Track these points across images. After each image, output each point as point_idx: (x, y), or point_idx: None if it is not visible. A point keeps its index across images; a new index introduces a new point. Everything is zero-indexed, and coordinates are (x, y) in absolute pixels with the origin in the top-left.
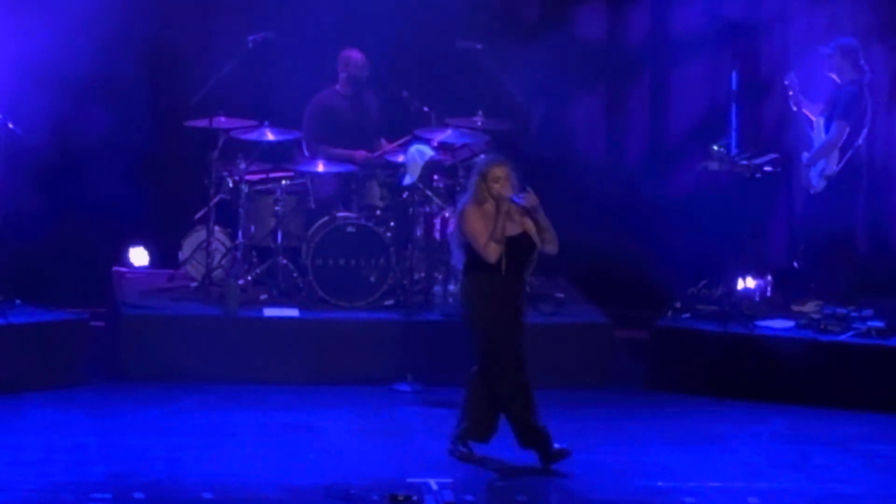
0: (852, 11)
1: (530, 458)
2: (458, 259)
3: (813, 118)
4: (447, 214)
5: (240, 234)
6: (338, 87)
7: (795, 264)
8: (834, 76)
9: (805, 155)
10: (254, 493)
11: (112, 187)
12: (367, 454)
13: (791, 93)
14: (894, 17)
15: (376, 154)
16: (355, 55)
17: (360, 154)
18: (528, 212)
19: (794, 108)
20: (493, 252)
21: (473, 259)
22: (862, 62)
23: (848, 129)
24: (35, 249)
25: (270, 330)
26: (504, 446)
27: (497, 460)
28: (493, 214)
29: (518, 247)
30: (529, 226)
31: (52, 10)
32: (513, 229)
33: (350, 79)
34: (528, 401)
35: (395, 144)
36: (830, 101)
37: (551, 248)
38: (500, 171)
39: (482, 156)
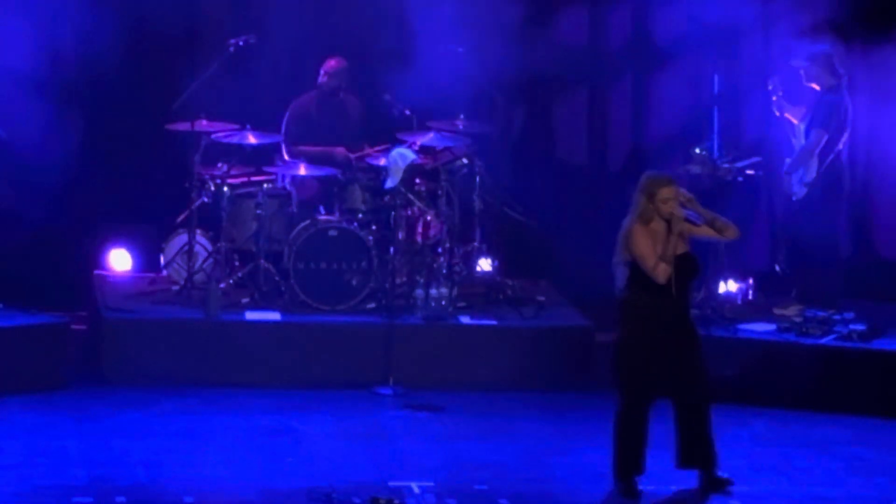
0: (833, 14)
1: (512, 460)
2: (619, 278)
3: (795, 122)
4: (429, 218)
5: (221, 237)
6: (315, 91)
7: (777, 268)
8: (813, 85)
9: (787, 161)
10: (235, 497)
11: (94, 191)
12: (348, 458)
13: (775, 98)
14: (874, 19)
15: (356, 155)
16: (332, 62)
17: (340, 151)
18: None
19: (777, 114)
20: (662, 273)
21: (638, 278)
22: (838, 66)
23: (826, 137)
24: (17, 252)
25: (252, 333)
26: (487, 448)
27: (480, 464)
28: (660, 233)
29: (684, 267)
30: (705, 230)
31: (34, 14)
32: (680, 248)
33: (323, 84)
34: (636, 441)
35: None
36: (811, 108)
37: (729, 233)
38: (668, 192)
39: (646, 172)
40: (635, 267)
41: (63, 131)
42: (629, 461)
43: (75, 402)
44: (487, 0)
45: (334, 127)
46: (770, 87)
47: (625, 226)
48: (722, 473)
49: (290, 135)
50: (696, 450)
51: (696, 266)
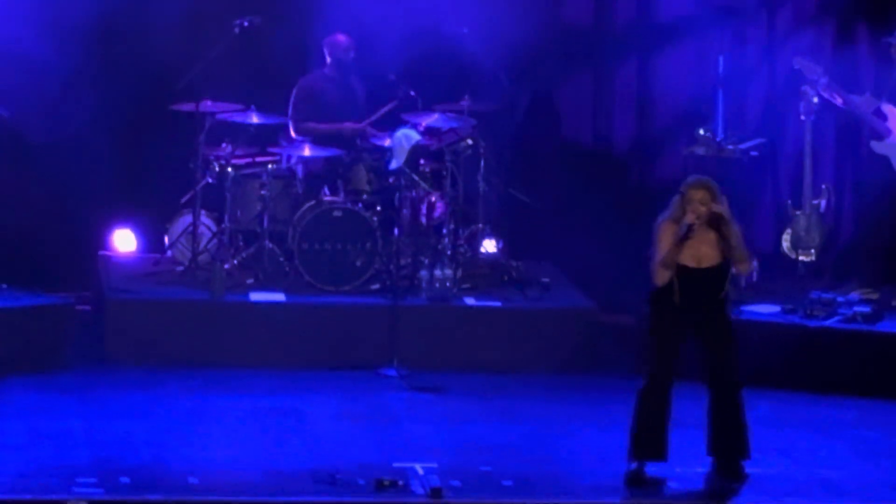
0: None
1: (517, 441)
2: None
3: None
4: (433, 199)
5: (226, 218)
6: (326, 70)
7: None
8: None
9: (882, 143)
10: (239, 477)
11: (98, 171)
12: (352, 439)
13: (836, 95)
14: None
15: (362, 125)
16: (340, 38)
17: (347, 126)
18: (716, 224)
19: (842, 104)
20: (659, 275)
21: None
22: None
23: None
24: (21, 233)
25: (256, 314)
26: (492, 430)
27: (483, 445)
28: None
29: (705, 280)
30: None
31: None
32: (708, 261)
33: (336, 62)
34: (647, 425)
35: (378, 116)
36: None
37: (741, 267)
38: (695, 194)
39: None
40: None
41: (67, 111)
42: (638, 444)
43: (79, 382)
44: None
45: (341, 105)
46: (823, 86)
47: (658, 220)
48: (746, 466)
49: (298, 112)
50: (721, 438)
51: (717, 282)
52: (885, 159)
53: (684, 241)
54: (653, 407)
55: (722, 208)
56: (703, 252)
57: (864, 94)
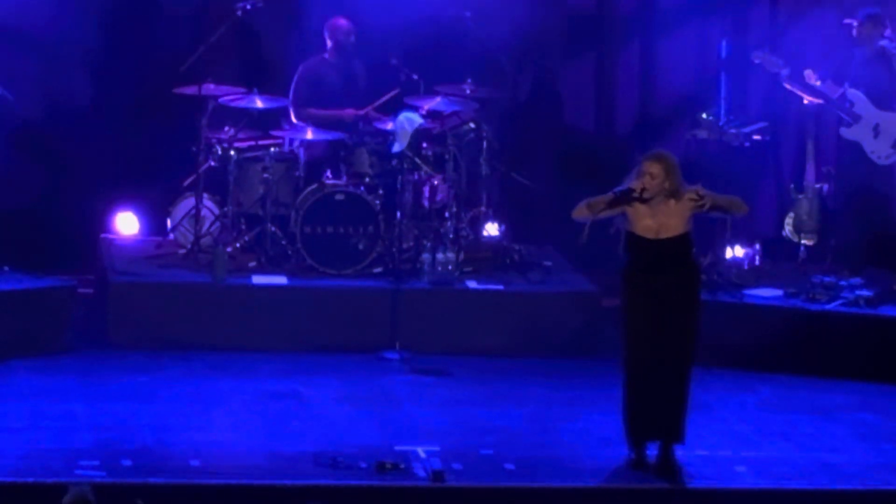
0: None
1: (518, 425)
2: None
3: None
4: (436, 182)
5: (228, 201)
6: (326, 55)
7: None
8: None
9: (851, 129)
10: (241, 460)
11: (101, 154)
12: (354, 422)
13: (815, 83)
14: None
15: (364, 111)
16: (341, 22)
17: (349, 112)
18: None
19: (805, 94)
20: (577, 210)
21: (624, 243)
22: (888, 29)
23: None
24: (24, 216)
25: (258, 297)
26: (494, 413)
27: (486, 428)
28: (654, 205)
29: (664, 250)
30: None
31: None
32: (667, 231)
33: (337, 46)
34: (636, 409)
35: (380, 102)
36: (875, 70)
37: (739, 213)
38: (649, 166)
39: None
40: (625, 232)
41: (70, 94)
42: (631, 431)
43: (81, 365)
44: None
45: (343, 90)
46: (808, 76)
47: None
48: (679, 457)
49: (298, 97)
50: (657, 418)
51: (682, 251)
52: (857, 145)
53: (619, 202)
54: (639, 389)
55: (673, 184)
56: (660, 223)
57: (825, 81)
